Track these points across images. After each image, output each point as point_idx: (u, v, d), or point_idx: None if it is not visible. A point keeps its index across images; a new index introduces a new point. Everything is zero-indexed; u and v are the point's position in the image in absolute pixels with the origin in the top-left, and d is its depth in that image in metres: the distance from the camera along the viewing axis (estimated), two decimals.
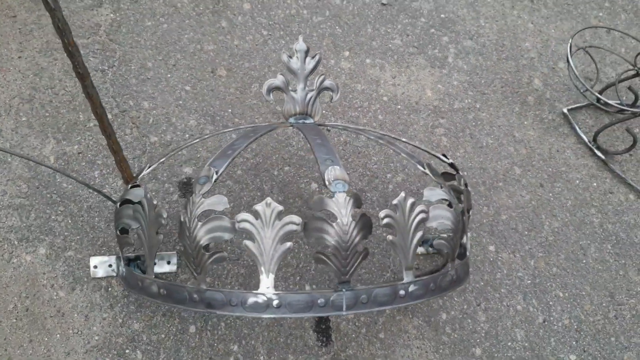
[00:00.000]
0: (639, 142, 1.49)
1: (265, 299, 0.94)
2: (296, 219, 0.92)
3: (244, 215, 0.92)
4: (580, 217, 1.46)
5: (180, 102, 1.42)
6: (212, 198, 0.94)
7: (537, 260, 1.37)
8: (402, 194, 1.00)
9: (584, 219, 1.46)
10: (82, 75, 0.94)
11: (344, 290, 0.96)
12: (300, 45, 1.16)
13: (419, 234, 1.00)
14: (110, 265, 1.18)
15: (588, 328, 1.30)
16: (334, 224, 0.94)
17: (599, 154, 1.56)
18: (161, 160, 1.10)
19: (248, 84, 1.49)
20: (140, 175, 1.08)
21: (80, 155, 1.31)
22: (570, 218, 1.45)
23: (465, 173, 1.47)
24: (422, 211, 1.01)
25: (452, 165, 1.27)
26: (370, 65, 1.59)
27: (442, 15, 1.75)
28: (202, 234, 0.92)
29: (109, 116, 1.37)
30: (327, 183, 0.96)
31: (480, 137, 1.54)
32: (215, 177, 0.96)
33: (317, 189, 1.37)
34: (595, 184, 1.52)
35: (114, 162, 1.29)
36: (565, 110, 1.62)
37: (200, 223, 0.92)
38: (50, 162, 1.29)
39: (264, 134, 1.08)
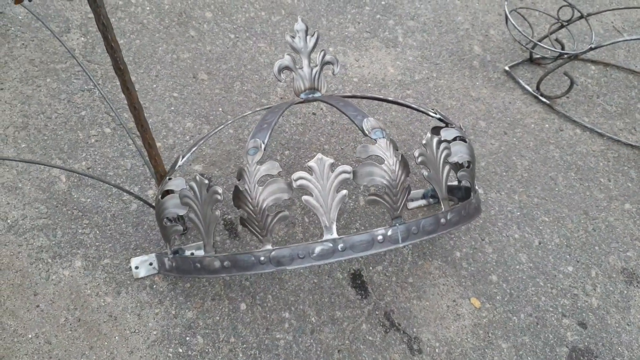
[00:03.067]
0: (575, 83, 1.72)
1: (330, 245, 1.03)
2: (347, 167, 1.02)
3: (299, 173, 1.01)
4: (543, 154, 1.65)
5: (172, 108, 1.48)
6: (266, 164, 1.02)
7: (520, 195, 1.55)
8: (429, 134, 1.13)
9: (546, 154, 1.65)
10: (122, 70, 0.99)
11: (397, 224, 1.07)
12: (299, 25, 1.26)
13: (447, 167, 1.13)
14: (150, 264, 1.22)
15: (575, 243, 1.48)
16: (382, 166, 1.05)
17: (544, 100, 1.77)
18: (192, 150, 1.16)
19: (230, 83, 1.57)
20: (178, 165, 1.14)
21: (90, 170, 1.33)
22: (536, 156, 1.64)
23: None
24: (446, 147, 1.14)
25: (440, 119, 1.41)
26: (334, 52, 1.72)
27: (383, 2, 1.92)
28: (265, 197, 1.00)
29: (108, 130, 1.40)
30: (367, 133, 1.07)
31: (444, 101, 1.70)
32: (263, 146, 1.05)
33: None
34: (547, 125, 1.72)
35: (125, 171, 1.33)
36: (506, 68, 1.83)
37: (260, 187, 1.00)
38: (62, 181, 1.30)
39: (286, 109, 1.17)
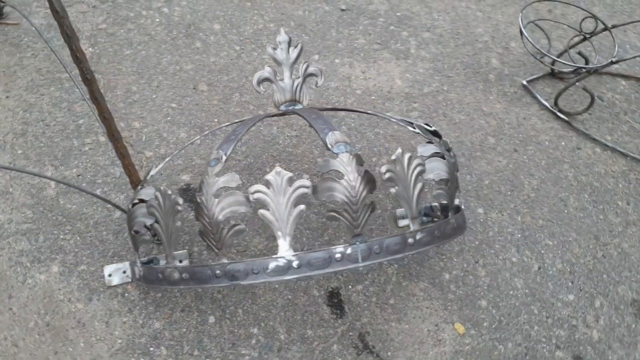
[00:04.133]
0: (596, 99, 1.61)
1: (285, 261, 0.99)
2: (306, 182, 0.98)
3: (256, 186, 0.98)
4: (556, 174, 1.56)
5: (169, 118, 1.49)
6: (225, 177, 1.00)
7: (523, 216, 1.46)
8: (400, 150, 1.09)
9: (559, 174, 1.56)
10: (90, 80, 1.00)
11: (357, 242, 1.02)
12: (282, 37, 1.24)
13: (420, 185, 1.08)
14: (124, 272, 1.23)
15: (580, 269, 1.38)
16: (341, 181, 1.01)
17: (562, 116, 1.67)
18: (166, 160, 1.16)
19: (229, 94, 1.57)
20: (149, 175, 1.14)
21: (80, 177, 1.36)
22: (547, 175, 1.55)
23: None
24: (419, 164, 1.09)
25: (434, 132, 1.36)
26: (340, 64, 1.70)
27: (398, 14, 1.87)
28: (220, 210, 0.98)
29: (102, 139, 1.43)
30: (329, 146, 1.04)
31: (452, 115, 1.64)
32: (224, 158, 1.03)
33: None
34: (563, 143, 1.62)
35: (114, 179, 1.34)
36: (524, 82, 1.74)
37: (216, 200, 0.98)
38: (51, 187, 1.34)
39: (260, 120, 1.16)
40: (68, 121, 1.45)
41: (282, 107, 1.23)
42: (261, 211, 0.99)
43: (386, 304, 1.28)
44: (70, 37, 0.94)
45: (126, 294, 1.22)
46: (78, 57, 0.97)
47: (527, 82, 1.75)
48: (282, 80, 1.23)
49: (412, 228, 1.07)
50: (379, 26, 1.82)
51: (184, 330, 1.19)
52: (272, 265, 0.99)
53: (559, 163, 1.58)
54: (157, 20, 1.67)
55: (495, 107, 1.68)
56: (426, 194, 1.40)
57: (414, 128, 1.19)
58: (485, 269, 1.36)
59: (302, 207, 1.00)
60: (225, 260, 1.00)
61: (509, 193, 1.50)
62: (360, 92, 1.64)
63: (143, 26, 1.67)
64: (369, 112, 1.22)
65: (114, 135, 1.11)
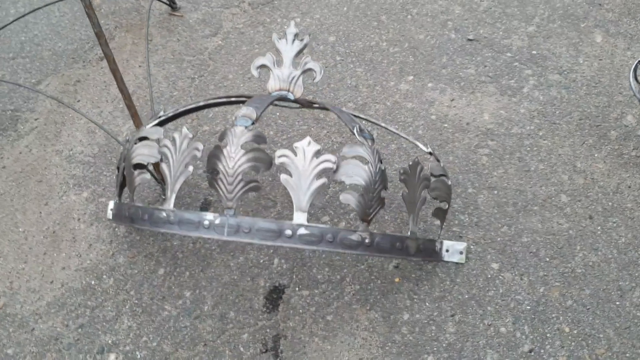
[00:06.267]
0: None
1: (164, 215, 1.03)
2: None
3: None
4: (632, 258, 1.19)
5: None
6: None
7: (550, 289, 1.16)
8: (308, 138, 1.03)
9: (636, 260, 1.18)
10: (97, 34, 1.19)
11: (228, 215, 1.00)
12: (291, 29, 1.28)
13: (320, 181, 1.00)
14: None
15: None
16: (223, 149, 1.00)
17: None
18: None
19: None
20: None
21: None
22: (617, 256, 1.19)
23: (497, 192, 1.34)
24: (327, 160, 1.01)
25: (431, 153, 1.22)
26: (431, 88, 1.59)
27: (534, 52, 1.66)
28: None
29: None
30: (233, 118, 1.04)
31: (530, 162, 1.39)
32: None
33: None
34: None
35: None
36: None
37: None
38: (122, 134, 1.58)
39: (276, 101, 1.18)
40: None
41: (274, 94, 1.25)
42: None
43: (322, 318, 1.16)
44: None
45: (116, 229, 1.37)
46: (88, 14, 1.16)
47: None
48: (279, 69, 1.25)
49: (295, 220, 0.99)
50: (500, 60, 1.65)
51: (136, 271, 1.28)
52: (158, 215, 1.03)
53: None
54: (285, 27, 1.82)
55: (595, 166, 1.36)
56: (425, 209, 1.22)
57: (355, 131, 1.09)
58: (457, 326, 1.12)
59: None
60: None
61: (547, 260, 1.20)
62: (434, 117, 1.51)
63: (270, 30, 1.83)
64: (378, 123, 1.19)
65: (121, 89, 1.28)
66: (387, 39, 1.75)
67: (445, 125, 1.49)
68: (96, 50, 1.85)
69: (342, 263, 1.24)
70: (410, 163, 1.08)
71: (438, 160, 1.23)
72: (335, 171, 1.01)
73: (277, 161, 1.01)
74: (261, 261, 1.27)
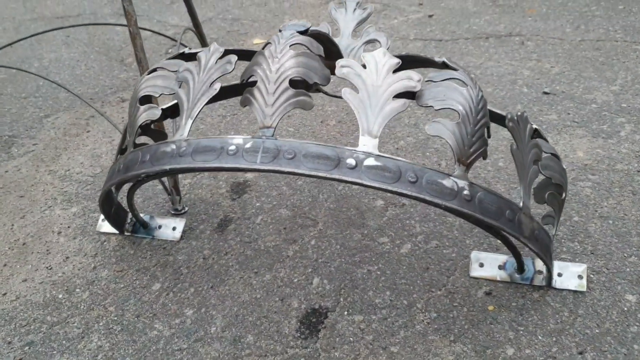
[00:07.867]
0: None
1: (172, 147, 0.73)
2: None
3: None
4: None
5: None
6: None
7: None
8: (382, 49, 0.75)
9: None
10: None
11: (264, 137, 0.69)
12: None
13: (397, 103, 0.70)
14: None
15: None
16: (265, 51, 0.73)
17: None
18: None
19: None
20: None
21: None
22: None
23: (612, 222, 1.01)
24: (408, 77, 0.72)
25: (446, 64, 0.91)
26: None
27: (624, 105, 1.41)
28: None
29: None
30: (282, 28, 0.78)
31: (624, 196, 1.07)
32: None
33: (382, 205, 1.08)
34: None
35: None
36: None
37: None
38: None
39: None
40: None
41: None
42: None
43: (383, 349, 0.78)
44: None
45: (105, 242, 1.04)
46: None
47: None
48: (336, 39, 1.01)
49: (359, 147, 0.68)
50: (586, 110, 1.40)
51: (122, 286, 0.93)
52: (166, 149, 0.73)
53: None
54: (395, 20, 1.66)
55: None
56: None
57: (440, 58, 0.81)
58: None
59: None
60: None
61: None
62: None
63: (372, 22, 1.67)
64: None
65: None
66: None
67: None
68: (119, 93, 1.65)
69: (409, 287, 0.88)
70: (518, 114, 0.79)
71: (546, 140, 0.92)
72: (420, 94, 0.71)
73: (338, 72, 0.72)
74: (295, 280, 0.91)
